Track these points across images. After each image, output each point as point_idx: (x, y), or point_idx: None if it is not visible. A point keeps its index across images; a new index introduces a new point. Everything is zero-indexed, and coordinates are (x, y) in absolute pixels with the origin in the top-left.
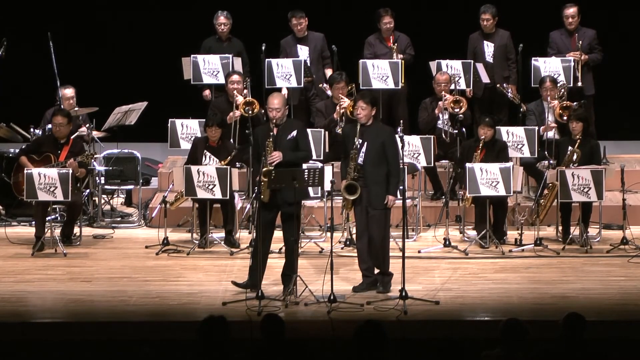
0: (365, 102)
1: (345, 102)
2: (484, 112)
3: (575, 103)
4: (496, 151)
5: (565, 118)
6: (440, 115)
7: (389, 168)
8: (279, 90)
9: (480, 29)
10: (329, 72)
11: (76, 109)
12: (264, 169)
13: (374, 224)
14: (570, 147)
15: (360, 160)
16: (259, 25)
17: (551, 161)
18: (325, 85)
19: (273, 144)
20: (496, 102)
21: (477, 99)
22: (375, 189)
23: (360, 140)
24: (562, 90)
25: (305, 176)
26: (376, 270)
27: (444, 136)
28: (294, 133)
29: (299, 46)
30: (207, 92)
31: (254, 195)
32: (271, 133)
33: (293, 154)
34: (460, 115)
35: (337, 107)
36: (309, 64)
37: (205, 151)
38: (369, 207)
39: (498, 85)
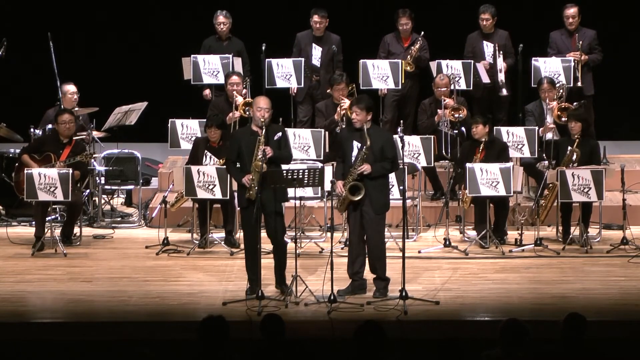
0: (359, 107)
1: (346, 102)
2: (483, 112)
3: (575, 103)
4: (496, 152)
5: (563, 119)
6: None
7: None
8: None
9: (479, 29)
10: None
11: (76, 108)
12: (257, 164)
13: (370, 229)
14: (569, 147)
15: None
16: (259, 25)
17: (552, 161)
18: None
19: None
20: (495, 102)
21: (476, 99)
22: (374, 194)
23: (359, 145)
24: (561, 91)
25: (305, 176)
26: (366, 275)
27: (444, 152)
28: (279, 134)
29: (314, 45)
30: (207, 92)
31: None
32: (262, 132)
33: (279, 152)
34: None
35: (338, 108)
36: (316, 64)
37: (206, 151)
38: (366, 211)
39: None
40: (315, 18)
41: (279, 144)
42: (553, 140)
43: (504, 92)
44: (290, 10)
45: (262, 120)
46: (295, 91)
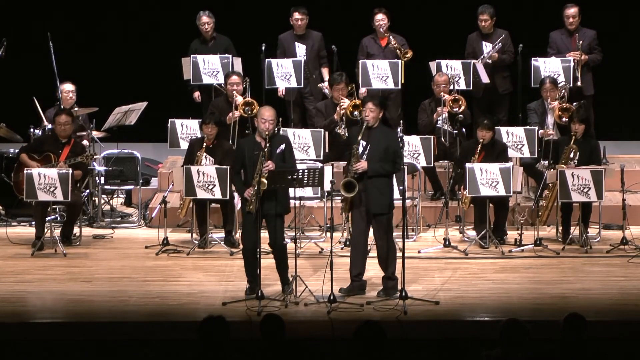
0: (374, 104)
1: (345, 102)
2: (483, 112)
3: (575, 103)
4: (496, 153)
5: (564, 119)
6: (439, 117)
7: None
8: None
9: (478, 29)
10: (325, 71)
11: (76, 108)
12: (258, 179)
13: (374, 229)
14: (567, 145)
15: None
16: (259, 24)
17: (551, 161)
18: (321, 84)
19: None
20: (495, 102)
21: (476, 99)
22: (375, 195)
23: (364, 143)
24: (563, 91)
25: (305, 176)
26: (367, 276)
27: (443, 139)
28: (282, 147)
29: (297, 44)
30: (196, 94)
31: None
32: (267, 145)
33: (282, 166)
34: (460, 115)
35: (338, 108)
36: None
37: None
38: (370, 213)
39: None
40: (297, 15)
41: (282, 156)
42: (553, 140)
43: (483, 79)
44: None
45: (267, 132)
46: (283, 93)
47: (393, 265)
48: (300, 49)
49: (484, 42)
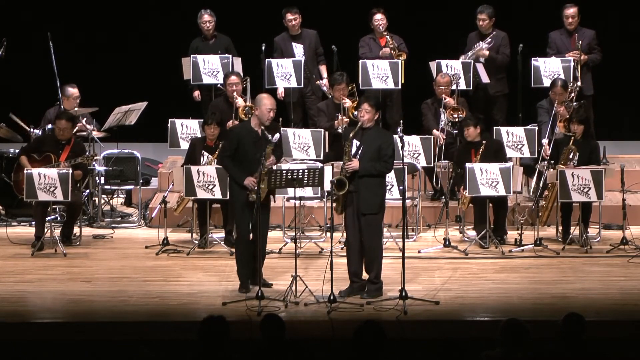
0: (370, 105)
1: (347, 103)
2: (478, 112)
3: (574, 103)
4: (492, 151)
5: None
6: (441, 116)
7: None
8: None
9: (478, 29)
10: (323, 68)
11: (76, 109)
12: (266, 170)
13: (364, 229)
14: (566, 146)
15: None
16: (258, 24)
17: (551, 162)
18: (320, 81)
19: (262, 145)
20: (491, 102)
21: (472, 99)
22: (366, 194)
23: (358, 143)
24: (572, 94)
25: (305, 176)
26: (365, 276)
27: (435, 161)
28: (277, 136)
29: (293, 44)
30: (196, 93)
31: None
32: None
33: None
34: (460, 115)
35: (340, 116)
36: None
37: (203, 151)
38: (359, 212)
39: None
40: (289, 16)
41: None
42: (554, 139)
43: (483, 79)
44: (273, 11)
45: (269, 121)
46: (283, 95)
47: (376, 267)
48: (298, 49)
49: (481, 43)
